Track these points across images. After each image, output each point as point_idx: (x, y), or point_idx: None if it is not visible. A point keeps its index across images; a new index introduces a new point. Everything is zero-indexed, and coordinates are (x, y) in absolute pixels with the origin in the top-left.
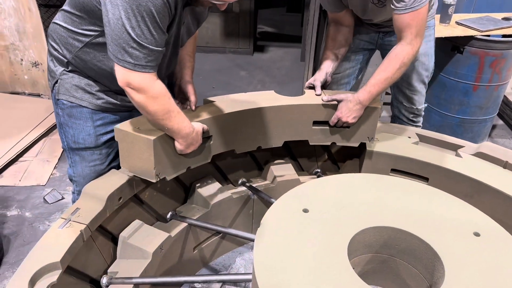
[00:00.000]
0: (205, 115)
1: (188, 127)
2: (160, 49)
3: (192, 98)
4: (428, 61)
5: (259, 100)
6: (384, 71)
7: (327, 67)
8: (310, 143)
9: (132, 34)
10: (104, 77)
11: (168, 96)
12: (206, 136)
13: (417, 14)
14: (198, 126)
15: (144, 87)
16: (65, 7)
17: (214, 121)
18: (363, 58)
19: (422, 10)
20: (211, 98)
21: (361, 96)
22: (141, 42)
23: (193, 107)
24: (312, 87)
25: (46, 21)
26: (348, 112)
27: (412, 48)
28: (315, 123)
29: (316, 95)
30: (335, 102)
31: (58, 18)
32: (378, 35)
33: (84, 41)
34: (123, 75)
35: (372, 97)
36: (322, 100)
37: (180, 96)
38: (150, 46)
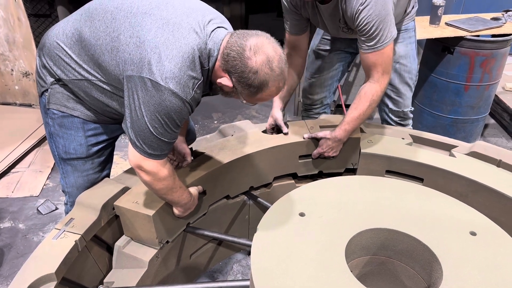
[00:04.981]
0: (199, 173)
1: (187, 198)
2: (176, 140)
3: (189, 159)
4: (410, 63)
5: (246, 145)
6: (356, 109)
7: (279, 103)
8: (299, 175)
9: (154, 133)
10: (95, 106)
11: (174, 176)
12: (201, 192)
13: (381, 54)
14: (194, 191)
15: (155, 171)
16: (75, 34)
17: (207, 176)
18: (346, 61)
19: (386, 50)
20: (200, 150)
21: (338, 135)
22: (161, 138)
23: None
24: (274, 127)
25: (36, 31)
26: (328, 148)
27: (380, 86)
28: (301, 157)
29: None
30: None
31: (63, 41)
32: (357, 40)
33: (84, 76)
34: (137, 159)
35: (349, 133)
36: (304, 138)
37: (177, 156)
38: (168, 140)
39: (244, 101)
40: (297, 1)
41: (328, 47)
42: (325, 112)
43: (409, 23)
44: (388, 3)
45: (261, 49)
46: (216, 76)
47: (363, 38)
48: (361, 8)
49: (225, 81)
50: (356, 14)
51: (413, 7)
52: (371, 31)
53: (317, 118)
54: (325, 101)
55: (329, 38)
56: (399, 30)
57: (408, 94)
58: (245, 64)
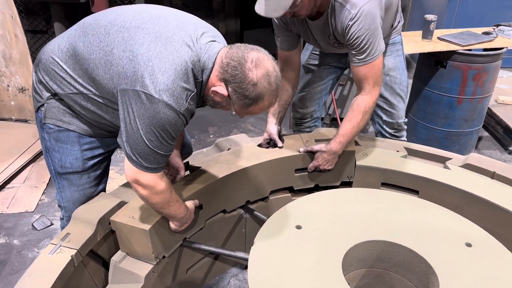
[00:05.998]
0: (195, 187)
1: (183, 212)
2: (172, 152)
3: (183, 173)
4: (399, 75)
5: (242, 159)
6: (350, 121)
7: (274, 118)
8: (295, 188)
9: (150, 146)
10: (91, 120)
11: (171, 190)
12: (197, 206)
13: (372, 66)
14: (190, 205)
15: (152, 185)
16: (70, 49)
17: (204, 190)
18: (335, 75)
19: (376, 63)
20: (196, 164)
21: (333, 147)
22: (157, 151)
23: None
24: (269, 141)
25: (33, 47)
26: (324, 161)
27: (371, 97)
28: (297, 170)
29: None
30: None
31: (58, 56)
32: (346, 55)
33: (79, 90)
34: (133, 174)
35: (344, 146)
36: (299, 152)
37: (171, 170)
38: (164, 153)
39: (234, 113)
40: (287, 17)
41: (317, 62)
42: (316, 126)
43: (396, 36)
44: (376, 17)
45: (262, 63)
46: (210, 88)
47: (353, 52)
48: (350, 23)
49: (220, 89)
50: (346, 29)
51: (399, 22)
52: (362, 45)
53: (308, 131)
54: (315, 114)
55: (318, 53)
56: (386, 44)
57: (400, 105)
58: (245, 75)
